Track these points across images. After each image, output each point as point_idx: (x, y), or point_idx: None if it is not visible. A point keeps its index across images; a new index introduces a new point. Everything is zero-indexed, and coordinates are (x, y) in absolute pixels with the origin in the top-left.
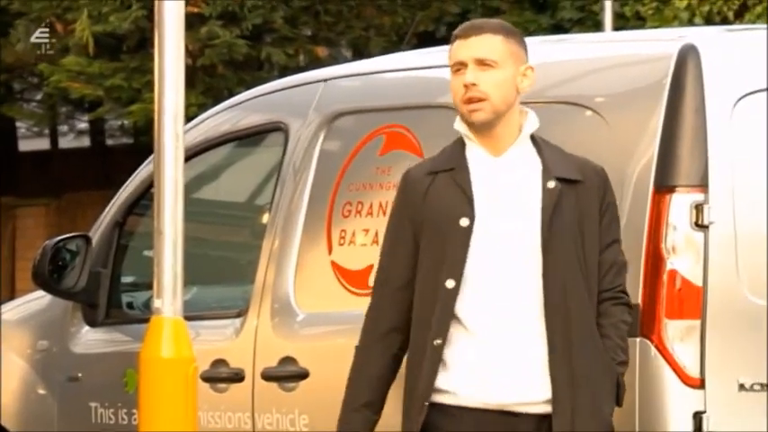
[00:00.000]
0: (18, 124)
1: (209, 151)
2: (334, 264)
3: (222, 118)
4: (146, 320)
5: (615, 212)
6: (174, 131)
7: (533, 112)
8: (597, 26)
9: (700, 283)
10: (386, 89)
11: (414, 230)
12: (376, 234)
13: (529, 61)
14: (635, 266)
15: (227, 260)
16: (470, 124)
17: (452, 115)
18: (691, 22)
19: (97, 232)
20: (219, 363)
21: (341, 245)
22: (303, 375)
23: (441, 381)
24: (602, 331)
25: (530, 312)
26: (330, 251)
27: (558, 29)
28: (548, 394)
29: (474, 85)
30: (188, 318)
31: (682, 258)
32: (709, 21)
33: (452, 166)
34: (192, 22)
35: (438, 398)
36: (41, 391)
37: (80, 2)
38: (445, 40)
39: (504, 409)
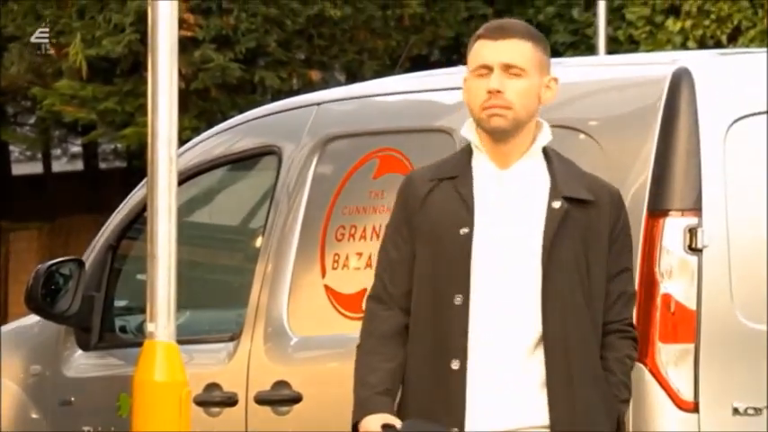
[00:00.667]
0: (11, 148)
1: (202, 175)
2: (327, 287)
3: (215, 141)
4: (139, 344)
5: (628, 239)
6: (167, 155)
7: (547, 124)
8: (590, 50)
9: (694, 306)
10: (379, 113)
11: (411, 235)
12: (369, 258)
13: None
14: None
15: (220, 284)
16: (485, 130)
17: (447, 139)
18: (684, 46)
19: (90, 256)
20: (213, 387)
21: (334, 268)
22: (296, 399)
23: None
24: (606, 365)
25: (529, 338)
26: (324, 275)
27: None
28: (546, 421)
29: (499, 92)
30: (181, 342)
31: (676, 282)
32: (702, 44)
33: (456, 174)
34: (186, 45)
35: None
36: (34, 416)
37: (73, 25)
38: (439, 64)
39: None
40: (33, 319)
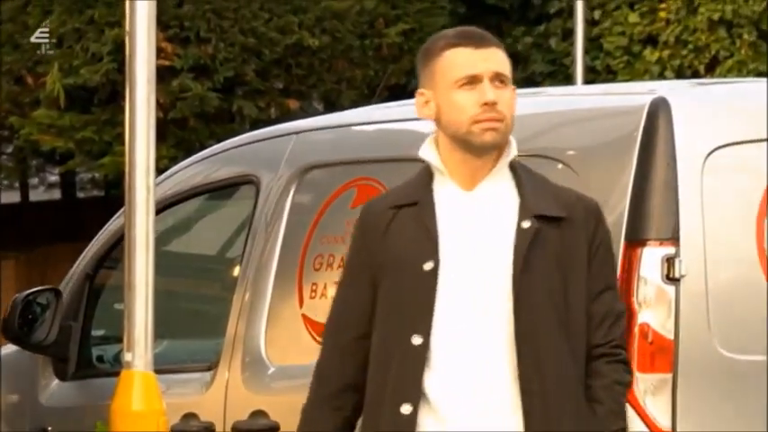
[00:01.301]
0: None
1: (180, 204)
2: (305, 317)
3: (193, 171)
4: (116, 374)
5: (609, 254)
6: (145, 184)
7: (513, 138)
8: (568, 80)
9: (671, 336)
10: (357, 142)
11: (372, 273)
12: None
13: None
14: None
15: (198, 313)
16: (473, 146)
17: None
18: (662, 76)
19: (68, 285)
20: (190, 416)
21: (312, 298)
22: (274, 429)
23: None
24: (593, 395)
25: (502, 380)
26: (301, 304)
27: (530, 82)
28: None
29: (495, 104)
30: (158, 371)
31: (653, 312)
32: (680, 74)
33: (416, 201)
34: (164, 74)
35: None
36: None
37: (51, 54)
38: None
39: None
40: (10, 348)
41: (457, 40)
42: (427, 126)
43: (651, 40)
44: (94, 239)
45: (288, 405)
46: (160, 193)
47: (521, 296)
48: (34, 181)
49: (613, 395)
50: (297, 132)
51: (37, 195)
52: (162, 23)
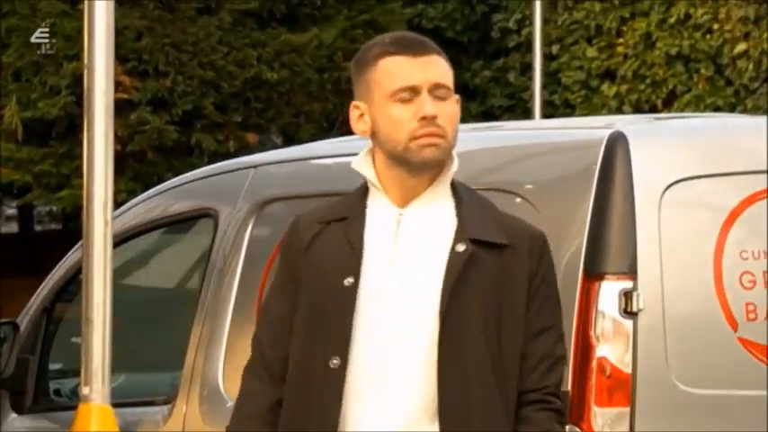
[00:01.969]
0: None
1: (138, 237)
2: None
3: (152, 204)
4: (74, 407)
5: (552, 291)
6: (103, 217)
7: (455, 155)
8: (527, 114)
9: (629, 370)
10: (316, 175)
11: (293, 289)
12: None
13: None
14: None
15: (155, 346)
16: (413, 164)
17: None
18: (619, 110)
19: (25, 318)
20: None
21: None
22: None
23: None
24: None
25: (421, 414)
26: None
27: (488, 116)
28: None
29: (435, 118)
30: (116, 405)
31: (611, 346)
32: (637, 109)
33: (346, 215)
34: (122, 107)
35: None
36: None
37: (9, 87)
38: None
39: None
40: None
41: (392, 47)
42: None
43: (609, 75)
44: (52, 272)
45: None
46: (118, 226)
47: (448, 322)
48: None
49: None
50: (255, 166)
51: None
52: (120, 56)
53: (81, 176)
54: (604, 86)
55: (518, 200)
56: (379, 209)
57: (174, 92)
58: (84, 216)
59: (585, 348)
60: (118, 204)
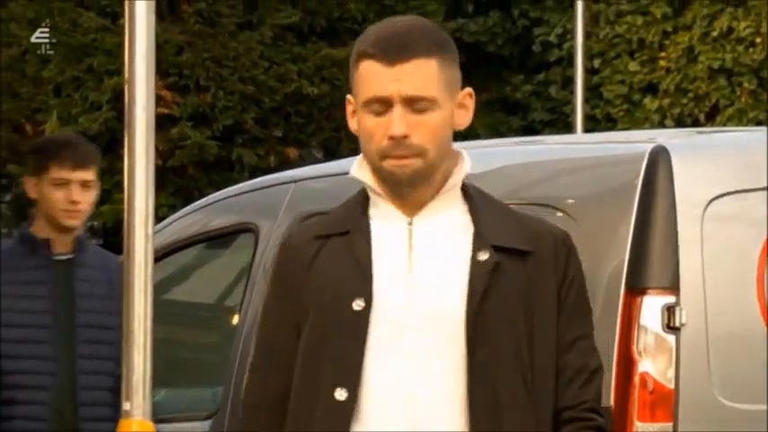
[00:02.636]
0: None
1: (179, 252)
2: None
3: (192, 219)
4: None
5: (582, 296)
6: (143, 232)
7: (465, 154)
8: (568, 128)
9: (672, 386)
10: (355, 190)
11: (295, 317)
12: None
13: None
14: (606, 369)
15: (196, 362)
16: (384, 180)
17: None
18: (662, 125)
19: None
20: None
21: None
22: None
23: None
24: None
25: None
26: None
27: (529, 130)
28: None
29: (405, 137)
30: (157, 420)
31: (653, 361)
32: (680, 123)
33: (347, 229)
34: (163, 122)
35: None
36: None
37: (50, 103)
38: None
39: None
40: None
41: (371, 49)
42: None
43: (651, 89)
44: None
45: None
46: (159, 241)
47: (476, 342)
48: None
49: None
50: (296, 181)
51: None
52: (161, 71)
53: (122, 191)
54: (646, 100)
55: (559, 214)
56: (384, 219)
57: (215, 107)
58: (124, 231)
59: (628, 363)
60: (159, 219)
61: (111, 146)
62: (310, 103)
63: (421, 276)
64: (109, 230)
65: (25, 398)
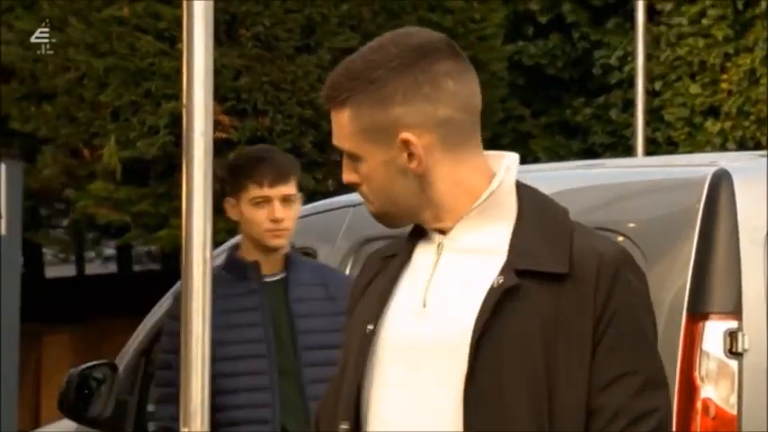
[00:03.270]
0: (44, 250)
1: None
2: None
3: None
4: None
5: (630, 326)
6: (201, 257)
7: (513, 157)
8: (629, 151)
9: (734, 411)
10: None
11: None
12: None
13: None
14: None
15: None
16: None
17: None
18: (723, 148)
19: (123, 360)
20: None
21: None
22: None
23: None
24: None
25: None
26: None
27: (590, 154)
28: None
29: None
30: None
31: (716, 386)
32: (742, 146)
33: (395, 252)
34: (221, 147)
35: None
36: None
37: (108, 127)
38: None
39: None
40: (66, 424)
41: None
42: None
43: (713, 112)
44: (150, 313)
45: None
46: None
47: (477, 378)
48: (90, 254)
49: None
50: (354, 205)
51: (93, 269)
52: (219, 96)
53: (179, 216)
54: (708, 123)
55: (621, 238)
56: (424, 241)
57: (273, 131)
58: (182, 256)
59: (690, 389)
60: (216, 244)
61: (168, 170)
62: None
63: (437, 302)
64: (167, 255)
65: None
